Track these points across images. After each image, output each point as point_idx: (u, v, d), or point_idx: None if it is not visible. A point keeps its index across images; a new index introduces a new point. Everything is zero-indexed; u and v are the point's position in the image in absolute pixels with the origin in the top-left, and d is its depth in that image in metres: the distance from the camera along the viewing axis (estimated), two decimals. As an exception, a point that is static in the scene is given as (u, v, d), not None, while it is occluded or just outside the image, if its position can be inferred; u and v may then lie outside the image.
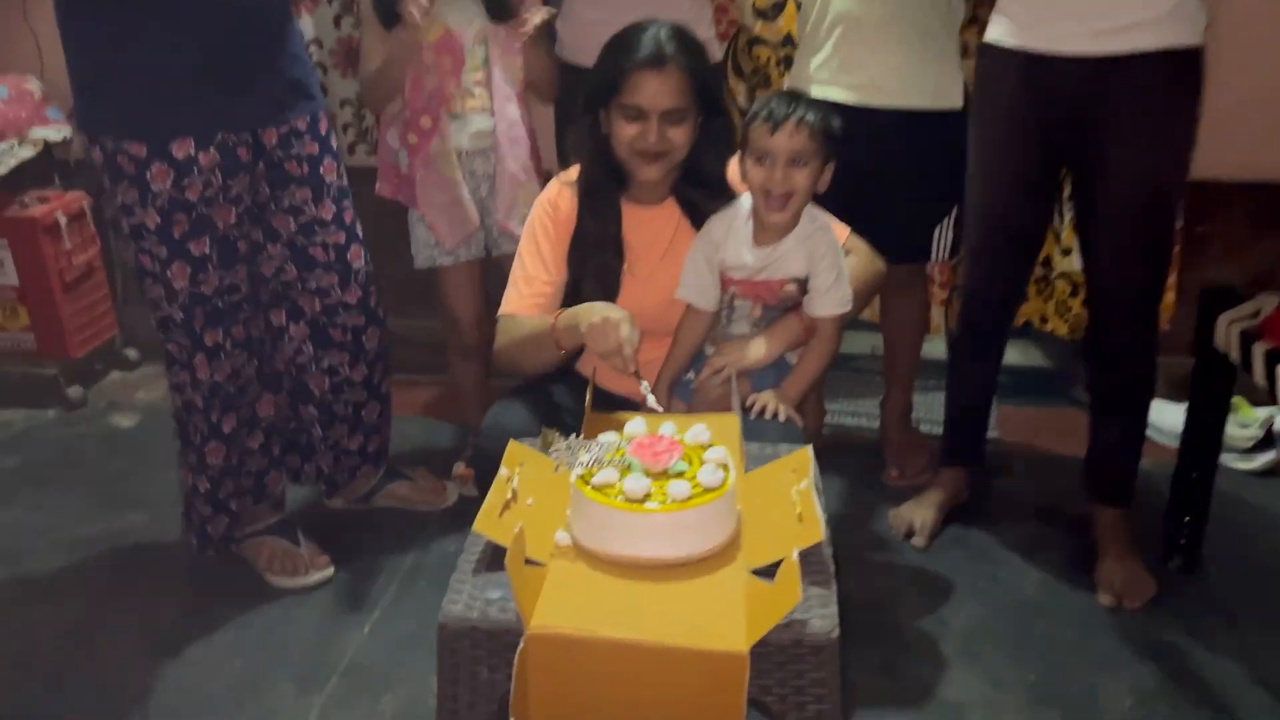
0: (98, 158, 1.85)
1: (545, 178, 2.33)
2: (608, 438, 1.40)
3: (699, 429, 1.42)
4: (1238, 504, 2.24)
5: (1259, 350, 1.74)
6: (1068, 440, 2.49)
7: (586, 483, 1.31)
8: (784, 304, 1.75)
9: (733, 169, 1.78)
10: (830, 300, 1.71)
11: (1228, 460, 2.38)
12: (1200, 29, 1.75)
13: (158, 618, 2.00)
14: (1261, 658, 1.84)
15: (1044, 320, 2.75)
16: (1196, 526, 2.06)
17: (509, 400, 1.77)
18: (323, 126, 2.00)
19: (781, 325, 1.74)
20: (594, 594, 1.24)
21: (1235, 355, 1.82)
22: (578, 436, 1.45)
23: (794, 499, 1.37)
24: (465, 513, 1.36)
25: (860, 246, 1.83)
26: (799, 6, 2.24)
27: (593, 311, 1.62)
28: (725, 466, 1.34)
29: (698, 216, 1.78)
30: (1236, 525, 2.20)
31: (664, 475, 1.32)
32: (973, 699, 1.77)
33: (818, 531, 1.29)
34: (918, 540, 2.18)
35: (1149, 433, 2.06)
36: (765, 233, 1.70)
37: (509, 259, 2.19)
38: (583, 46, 2.19)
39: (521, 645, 1.16)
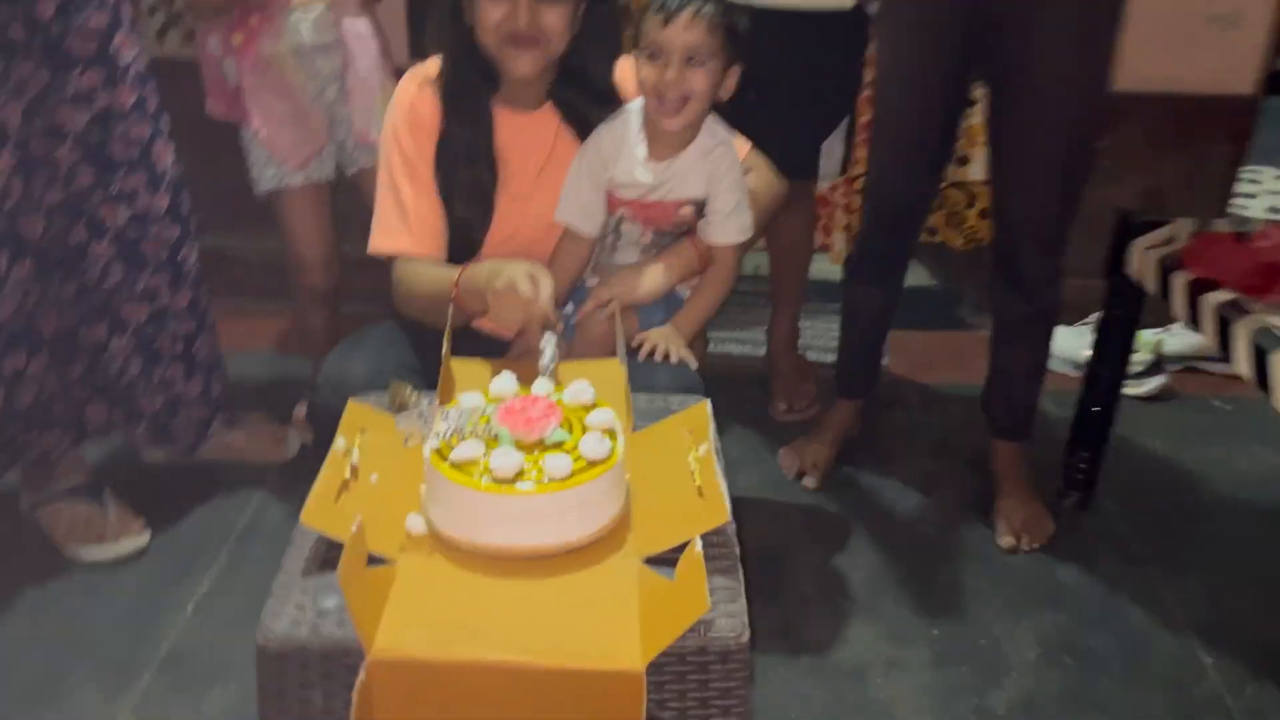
0: None
1: (396, 76, 2.02)
2: (470, 400, 1.16)
3: (579, 387, 1.19)
4: (1128, 431, 2.17)
5: (1179, 280, 1.61)
6: (959, 366, 2.39)
7: (444, 458, 1.07)
8: (678, 229, 1.52)
9: (623, 72, 1.53)
10: (732, 226, 1.50)
11: (1118, 386, 2.31)
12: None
13: (-71, 603, 1.68)
14: (1162, 598, 1.77)
15: (933, 232, 2.60)
16: (1094, 461, 1.97)
17: (354, 342, 1.49)
18: None
19: (675, 253, 1.52)
20: (454, 599, 1.00)
21: (1152, 285, 1.69)
22: (431, 396, 1.20)
23: (691, 467, 1.17)
24: (308, 467, 1.13)
25: (760, 164, 1.61)
26: None
27: (497, 273, 1.34)
28: (612, 433, 1.12)
29: (581, 125, 1.53)
30: (1128, 454, 2.14)
31: (539, 447, 1.09)
32: (876, 659, 1.63)
33: (723, 510, 1.09)
34: (809, 481, 2.03)
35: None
36: (660, 146, 1.47)
37: (366, 176, 1.93)
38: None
39: (362, 675, 0.93)
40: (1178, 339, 2.40)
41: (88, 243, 1.71)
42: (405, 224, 1.50)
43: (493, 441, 1.09)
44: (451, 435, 1.09)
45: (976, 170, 2.40)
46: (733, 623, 1.01)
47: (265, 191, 1.94)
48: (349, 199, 2.08)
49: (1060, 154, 1.68)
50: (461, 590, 1.02)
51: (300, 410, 2.09)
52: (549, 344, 1.32)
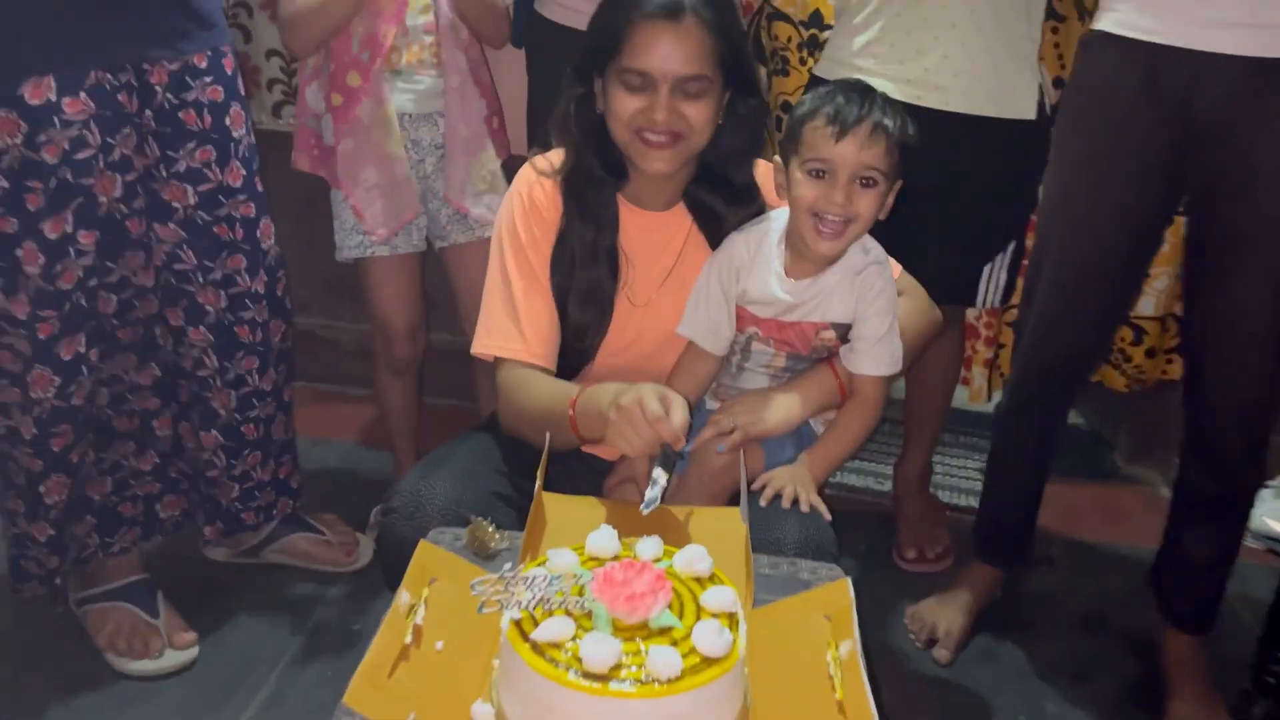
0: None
1: (506, 150, 1.88)
2: (561, 560, 0.95)
3: (694, 553, 0.97)
4: None
5: None
6: (1113, 522, 2.10)
7: (525, 636, 0.86)
8: (815, 355, 1.32)
9: (763, 173, 1.34)
10: (879, 356, 1.30)
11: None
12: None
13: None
14: None
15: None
16: (1290, 661, 1.64)
17: (436, 461, 1.31)
18: (228, 64, 1.53)
19: (811, 381, 1.32)
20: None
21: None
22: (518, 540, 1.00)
23: (830, 669, 0.93)
24: (379, 579, 1.00)
25: (914, 288, 1.40)
26: None
27: (622, 394, 1.15)
28: (733, 621, 0.89)
29: (715, 230, 1.35)
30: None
31: (642, 631, 0.87)
32: None
33: (870, 736, 0.85)
34: (941, 653, 1.75)
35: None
36: (804, 262, 1.28)
37: (455, 253, 1.83)
38: (570, 2, 1.74)
39: None
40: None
41: (183, 329, 1.58)
42: (517, 325, 1.33)
43: (585, 619, 0.87)
44: (536, 606, 0.88)
45: (1147, 304, 2.12)
46: None
47: (348, 259, 1.82)
48: (437, 276, 1.94)
49: (1277, 299, 1.42)
50: (531, 819, 0.79)
51: (378, 514, 1.91)
52: (659, 479, 1.12)
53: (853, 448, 1.34)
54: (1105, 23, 1.44)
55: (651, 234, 1.37)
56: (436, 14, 1.69)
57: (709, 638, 0.86)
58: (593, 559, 0.96)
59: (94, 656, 1.61)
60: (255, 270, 1.61)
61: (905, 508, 2.07)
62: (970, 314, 2.21)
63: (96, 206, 1.43)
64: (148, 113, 1.46)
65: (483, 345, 1.36)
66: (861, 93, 1.23)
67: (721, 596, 0.91)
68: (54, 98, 1.36)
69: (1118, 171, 1.46)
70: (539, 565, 0.93)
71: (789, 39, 2.12)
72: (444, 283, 1.94)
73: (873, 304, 1.28)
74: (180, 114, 1.48)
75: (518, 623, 0.87)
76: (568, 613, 0.87)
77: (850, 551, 1.98)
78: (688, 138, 1.28)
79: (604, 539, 0.99)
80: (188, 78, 1.48)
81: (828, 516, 1.25)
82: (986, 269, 1.81)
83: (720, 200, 1.35)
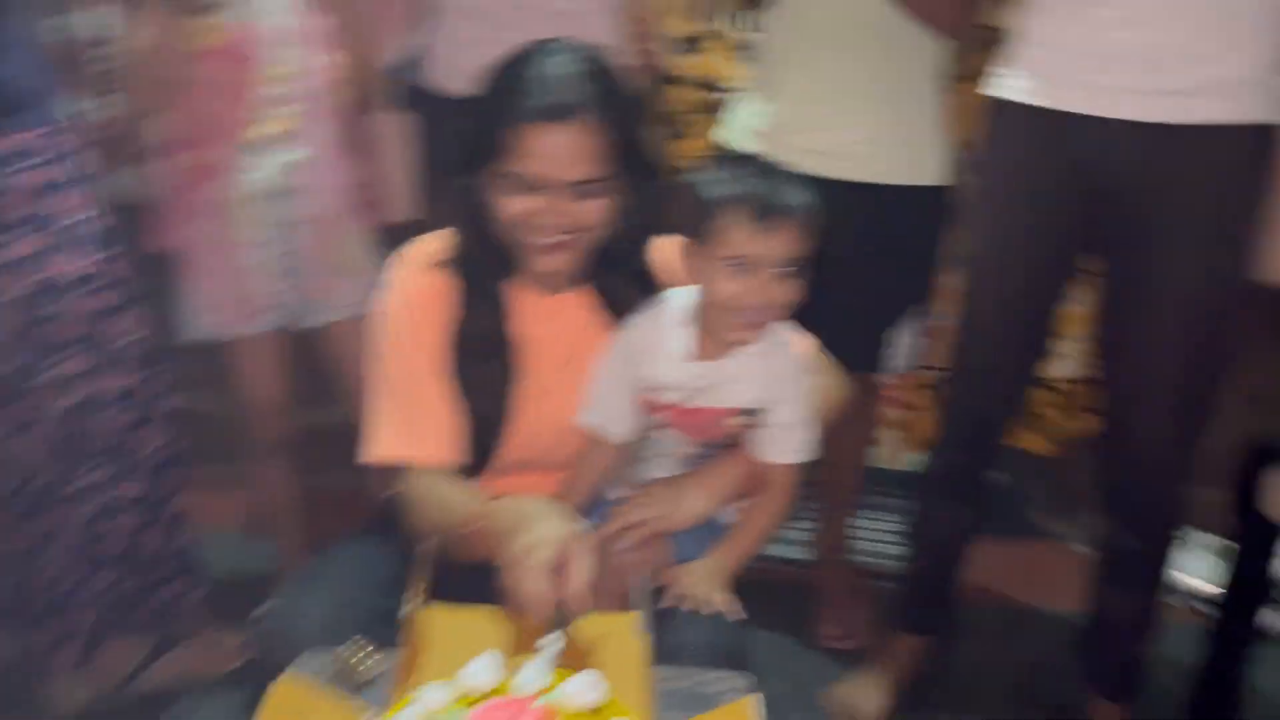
0: None
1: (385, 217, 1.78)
2: (432, 696, 0.85)
3: (584, 681, 0.88)
4: (1271, 681, 1.77)
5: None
6: (1035, 584, 2.06)
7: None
8: (724, 441, 1.24)
9: (661, 252, 1.27)
10: (792, 443, 1.23)
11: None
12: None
13: None
14: None
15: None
16: (1221, 726, 1.61)
17: (311, 574, 1.19)
18: (65, 143, 1.41)
19: (722, 470, 1.25)
20: None
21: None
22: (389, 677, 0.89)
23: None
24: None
25: (826, 366, 1.33)
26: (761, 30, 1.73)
27: (523, 521, 1.04)
28: (626, 765, 0.80)
29: (615, 311, 1.26)
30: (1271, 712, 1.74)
31: (522, 783, 0.77)
32: None
33: None
34: (864, 738, 1.67)
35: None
36: (713, 344, 1.20)
37: (330, 332, 1.75)
38: (457, 68, 1.66)
39: None
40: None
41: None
42: (410, 427, 1.22)
43: (457, 774, 0.77)
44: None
45: (1065, 365, 2.10)
46: None
47: (195, 339, 1.70)
48: (312, 355, 1.83)
49: (1183, 360, 1.40)
50: None
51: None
52: (552, 645, 0.96)
53: (763, 537, 1.26)
54: (1006, 89, 1.41)
55: (548, 320, 1.27)
56: (303, 82, 1.59)
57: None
58: (468, 697, 0.86)
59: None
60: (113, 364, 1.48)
61: (826, 580, 2.01)
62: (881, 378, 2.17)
63: None
64: None
65: (375, 453, 1.23)
66: (776, 178, 1.15)
67: (612, 735, 0.82)
68: None
69: (1027, 231, 1.44)
70: (405, 708, 0.83)
71: (686, 104, 2.08)
72: (320, 360, 1.83)
73: (784, 388, 1.21)
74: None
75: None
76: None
77: (766, 626, 1.90)
78: (585, 235, 1.19)
79: (483, 669, 0.89)
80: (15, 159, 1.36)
81: (740, 616, 1.16)
82: (896, 334, 1.77)
83: (619, 280, 1.27)
